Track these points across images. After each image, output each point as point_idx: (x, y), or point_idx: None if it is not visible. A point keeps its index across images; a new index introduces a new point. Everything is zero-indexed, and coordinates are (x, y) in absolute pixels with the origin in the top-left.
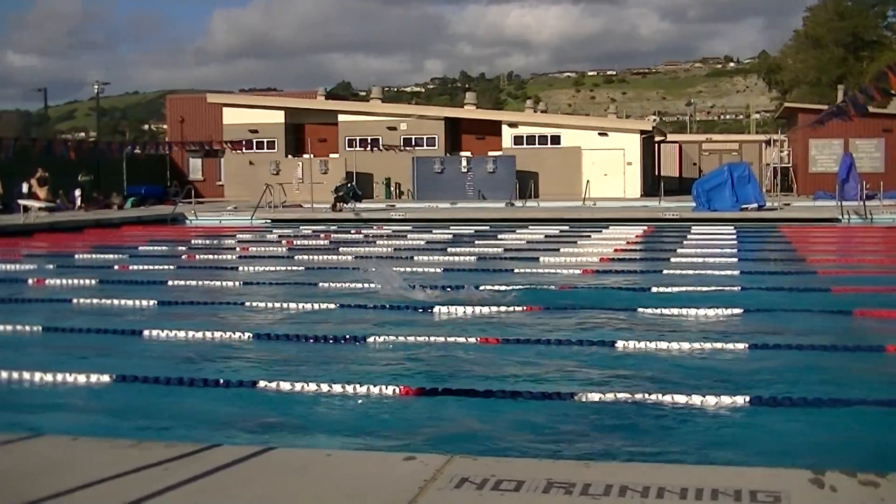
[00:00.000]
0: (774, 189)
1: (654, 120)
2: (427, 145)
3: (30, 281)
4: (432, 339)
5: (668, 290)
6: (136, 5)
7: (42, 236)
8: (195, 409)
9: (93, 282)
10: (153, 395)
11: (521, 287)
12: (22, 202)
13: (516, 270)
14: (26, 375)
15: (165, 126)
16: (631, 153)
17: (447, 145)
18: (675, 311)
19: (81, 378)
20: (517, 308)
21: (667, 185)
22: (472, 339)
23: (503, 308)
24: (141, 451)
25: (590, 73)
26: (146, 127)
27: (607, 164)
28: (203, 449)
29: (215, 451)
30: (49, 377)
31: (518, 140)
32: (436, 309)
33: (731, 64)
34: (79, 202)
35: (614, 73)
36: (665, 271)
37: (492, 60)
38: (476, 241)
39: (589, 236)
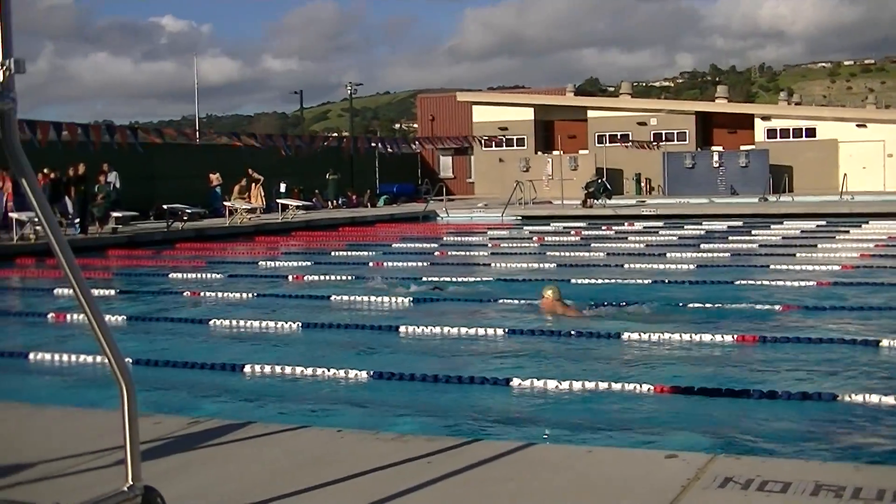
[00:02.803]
0: None
1: None
2: (677, 140)
3: (290, 277)
4: (687, 336)
5: None
6: (389, 8)
7: (300, 234)
8: (453, 404)
9: (349, 278)
10: (411, 391)
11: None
12: (280, 201)
13: (772, 267)
14: (288, 370)
15: (416, 125)
16: (892, 145)
17: (698, 140)
18: None
19: (341, 373)
20: (774, 307)
21: None
22: (729, 338)
23: (759, 307)
24: (403, 445)
25: (846, 63)
26: (397, 126)
27: (866, 156)
28: (464, 443)
29: (475, 446)
30: (309, 371)
31: (771, 133)
32: (689, 307)
33: None
34: (330, 202)
35: (873, 61)
36: None
37: (743, 53)
38: (729, 237)
39: (847, 232)
